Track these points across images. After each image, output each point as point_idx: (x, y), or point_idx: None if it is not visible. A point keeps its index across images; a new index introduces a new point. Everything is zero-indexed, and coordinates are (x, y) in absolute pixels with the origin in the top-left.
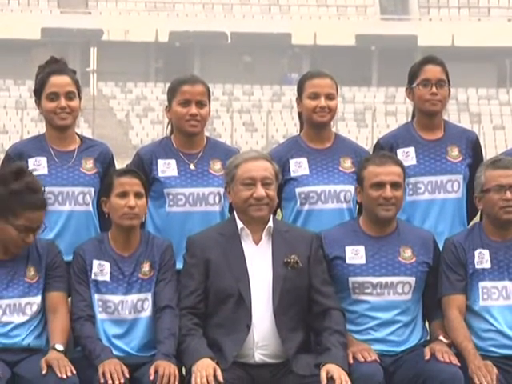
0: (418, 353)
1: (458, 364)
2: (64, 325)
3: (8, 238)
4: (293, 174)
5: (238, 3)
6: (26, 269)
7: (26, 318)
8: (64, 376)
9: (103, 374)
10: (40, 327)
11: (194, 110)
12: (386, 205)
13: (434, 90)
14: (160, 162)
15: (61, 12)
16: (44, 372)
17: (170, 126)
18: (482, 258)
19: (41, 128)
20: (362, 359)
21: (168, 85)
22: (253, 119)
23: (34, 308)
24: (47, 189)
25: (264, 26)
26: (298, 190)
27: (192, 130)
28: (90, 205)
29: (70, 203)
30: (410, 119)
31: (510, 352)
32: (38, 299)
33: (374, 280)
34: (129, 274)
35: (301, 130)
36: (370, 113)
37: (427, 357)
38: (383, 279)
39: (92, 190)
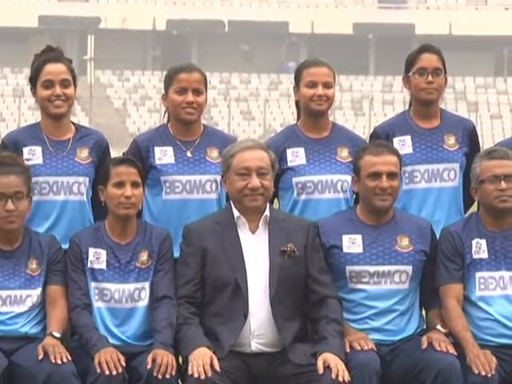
0: (414, 342)
1: (455, 353)
2: (62, 315)
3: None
4: (290, 164)
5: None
6: (27, 261)
7: (25, 308)
8: (59, 361)
9: (99, 363)
10: (39, 317)
11: (190, 97)
12: (382, 195)
13: (429, 78)
14: (157, 149)
15: (58, 0)
16: (40, 357)
17: (166, 114)
18: (480, 248)
19: (38, 116)
20: (359, 348)
21: (165, 73)
22: (250, 108)
23: (34, 299)
24: (42, 178)
25: (261, 14)
26: (294, 179)
27: (188, 118)
28: (85, 195)
29: (64, 193)
30: (407, 108)
31: (507, 341)
32: (38, 291)
33: (371, 269)
34: (125, 263)
35: (298, 118)
36: (368, 101)
37: (424, 346)
38: (380, 268)
39: (87, 179)
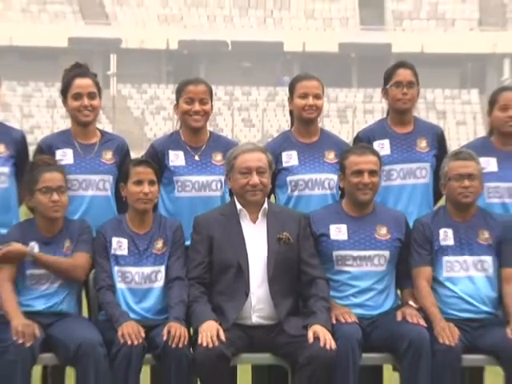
0: (391, 316)
1: (425, 325)
2: None
3: (41, 206)
4: (284, 165)
5: (238, 15)
6: (63, 242)
7: (59, 283)
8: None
9: (122, 335)
10: (72, 294)
11: (197, 107)
12: (364, 189)
13: (405, 90)
14: (171, 153)
15: (85, 23)
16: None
17: (178, 122)
18: (446, 236)
19: (68, 124)
20: (343, 321)
21: (177, 86)
22: (250, 116)
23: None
24: (72, 176)
25: (260, 35)
26: (288, 178)
27: (195, 125)
28: (109, 190)
29: (92, 189)
30: (385, 116)
31: (469, 315)
32: None
33: (354, 253)
34: (143, 250)
35: (291, 125)
36: (351, 111)
37: (399, 319)
38: (362, 253)
39: (111, 177)
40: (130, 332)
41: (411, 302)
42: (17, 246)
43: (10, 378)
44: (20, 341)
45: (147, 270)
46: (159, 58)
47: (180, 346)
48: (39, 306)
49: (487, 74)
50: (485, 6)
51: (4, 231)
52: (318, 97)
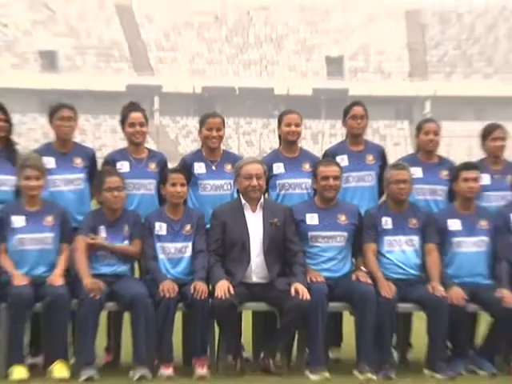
0: (348, 277)
1: (372, 283)
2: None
3: (107, 200)
4: (275, 172)
5: (242, 70)
6: (123, 227)
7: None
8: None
9: (162, 290)
10: (128, 262)
11: (214, 133)
12: (330, 190)
13: (358, 121)
14: (196, 164)
15: (137, 75)
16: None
17: (201, 143)
18: (387, 222)
19: (125, 144)
20: (315, 280)
21: (200, 118)
22: (251, 139)
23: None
24: (128, 181)
25: (258, 83)
26: (277, 181)
27: (213, 146)
28: (153, 190)
29: (141, 189)
30: (344, 139)
31: (402, 276)
32: (127, 244)
33: (323, 234)
34: (176, 231)
35: (280, 145)
36: (321, 135)
37: (354, 279)
38: (328, 233)
39: (154, 181)
40: (168, 288)
41: (362, 268)
42: (100, 240)
43: (86, 321)
44: (90, 295)
45: (179, 245)
46: (188, 98)
47: (202, 298)
48: (105, 270)
49: (414, 110)
50: (413, 63)
51: (80, 218)
52: (298, 125)
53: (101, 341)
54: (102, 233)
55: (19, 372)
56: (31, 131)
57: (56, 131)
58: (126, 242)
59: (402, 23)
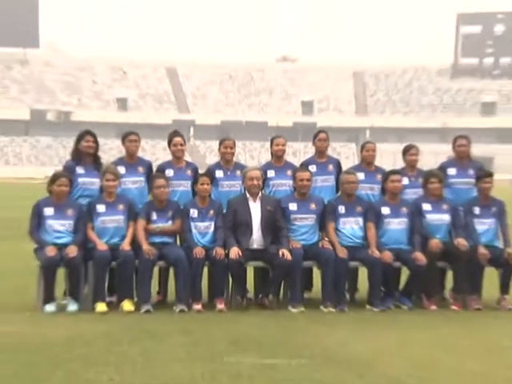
0: (316, 245)
1: (331, 249)
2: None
3: (156, 194)
4: (268, 176)
5: (247, 109)
6: (167, 213)
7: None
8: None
9: (195, 253)
10: (172, 235)
11: (228, 150)
12: (304, 188)
13: (322, 143)
14: (217, 171)
15: (178, 112)
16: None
17: (220, 157)
18: (341, 209)
19: (171, 158)
20: (295, 246)
21: (219, 140)
22: (253, 154)
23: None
24: (172, 182)
25: (257, 118)
26: (270, 182)
27: (228, 159)
28: (189, 188)
29: (181, 187)
30: (314, 154)
31: (351, 244)
32: (169, 223)
33: (300, 216)
34: (204, 214)
35: (271, 158)
36: (298, 152)
37: (320, 246)
38: (303, 216)
39: (190, 182)
40: (198, 252)
41: (325, 238)
42: (160, 226)
43: (144, 273)
44: (147, 256)
45: (206, 223)
46: (212, 128)
47: (221, 258)
48: (157, 240)
49: (359, 136)
50: (358, 105)
51: (140, 206)
52: (283, 145)
53: (154, 286)
54: (154, 216)
55: (101, 306)
56: (111, 150)
57: (126, 149)
58: (170, 222)
59: (351, 80)
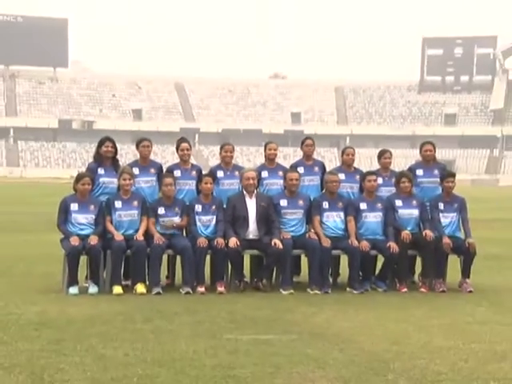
0: (303, 235)
1: (317, 239)
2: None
3: (164, 192)
4: (262, 176)
5: (244, 119)
6: (174, 208)
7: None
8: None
9: (199, 242)
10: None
11: (228, 154)
12: (293, 186)
13: (309, 148)
14: (218, 171)
15: (184, 121)
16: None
17: (221, 160)
18: (325, 204)
19: (178, 160)
20: (285, 237)
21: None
22: (249, 158)
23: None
24: (180, 181)
25: (253, 126)
26: (264, 182)
27: (228, 161)
28: (194, 186)
29: (187, 186)
30: (302, 157)
31: (334, 235)
32: (178, 218)
33: (289, 211)
34: (207, 209)
35: (265, 161)
36: (288, 156)
37: (307, 237)
38: (292, 210)
39: (195, 181)
40: (202, 242)
41: (312, 230)
42: (176, 222)
43: (155, 260)
44: (159, 242)
45: (209, 217)
46: (214, 135)
47: (222, 247)
48: (167, 231)
49: (340, 142)
50: (339, 116)
51: (151, 202)
52: (275, 150)
53: (164, 272)
54: (162, 210)
55: (118, 289)
56: (127, 154)
57: (140, 153)
58: (177, 217)
59: (333, 94)
